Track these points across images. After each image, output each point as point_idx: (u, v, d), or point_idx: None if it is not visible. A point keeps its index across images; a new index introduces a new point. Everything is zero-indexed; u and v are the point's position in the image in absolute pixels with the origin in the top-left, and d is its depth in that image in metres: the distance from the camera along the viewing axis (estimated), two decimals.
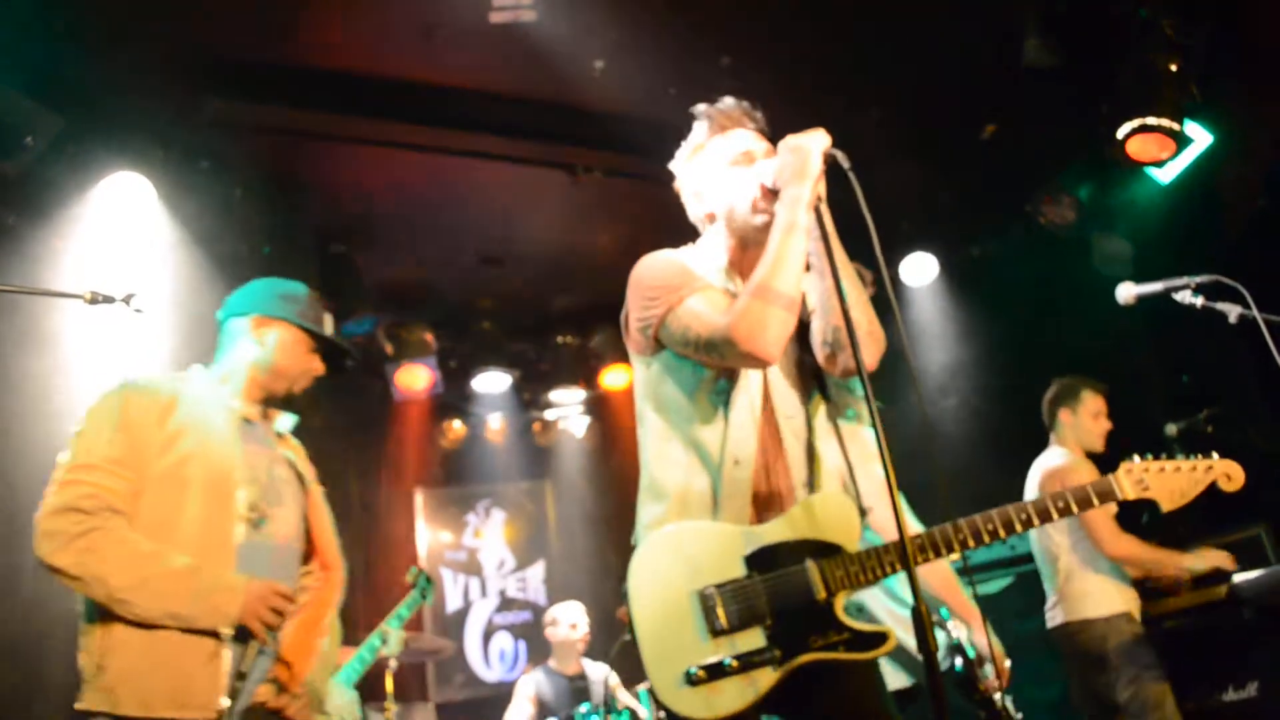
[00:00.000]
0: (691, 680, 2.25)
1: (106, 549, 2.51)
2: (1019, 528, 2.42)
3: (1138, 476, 2.58)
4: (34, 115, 4.54)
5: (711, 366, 2.44)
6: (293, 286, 3.08)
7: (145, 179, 5.08)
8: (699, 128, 2.69)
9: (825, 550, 2.34)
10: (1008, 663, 3.29)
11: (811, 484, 2.48)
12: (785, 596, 2.31)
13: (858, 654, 2.28)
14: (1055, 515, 2.45)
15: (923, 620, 1.91)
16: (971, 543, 2.37)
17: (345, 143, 5.70)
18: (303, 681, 2.82)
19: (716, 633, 2.29)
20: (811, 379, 2.56)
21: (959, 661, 3.25)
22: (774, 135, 2.51)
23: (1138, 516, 4.61)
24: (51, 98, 4.60)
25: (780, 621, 2.30)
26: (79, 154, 4.94)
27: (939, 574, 3.31)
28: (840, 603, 2.31)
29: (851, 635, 2.29)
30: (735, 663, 2.26)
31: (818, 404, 2.56)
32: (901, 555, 1.98)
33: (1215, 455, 2.64)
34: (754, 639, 2.29)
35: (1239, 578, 4.45)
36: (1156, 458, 2.60)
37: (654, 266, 2.56)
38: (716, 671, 2.26)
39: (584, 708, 5.91)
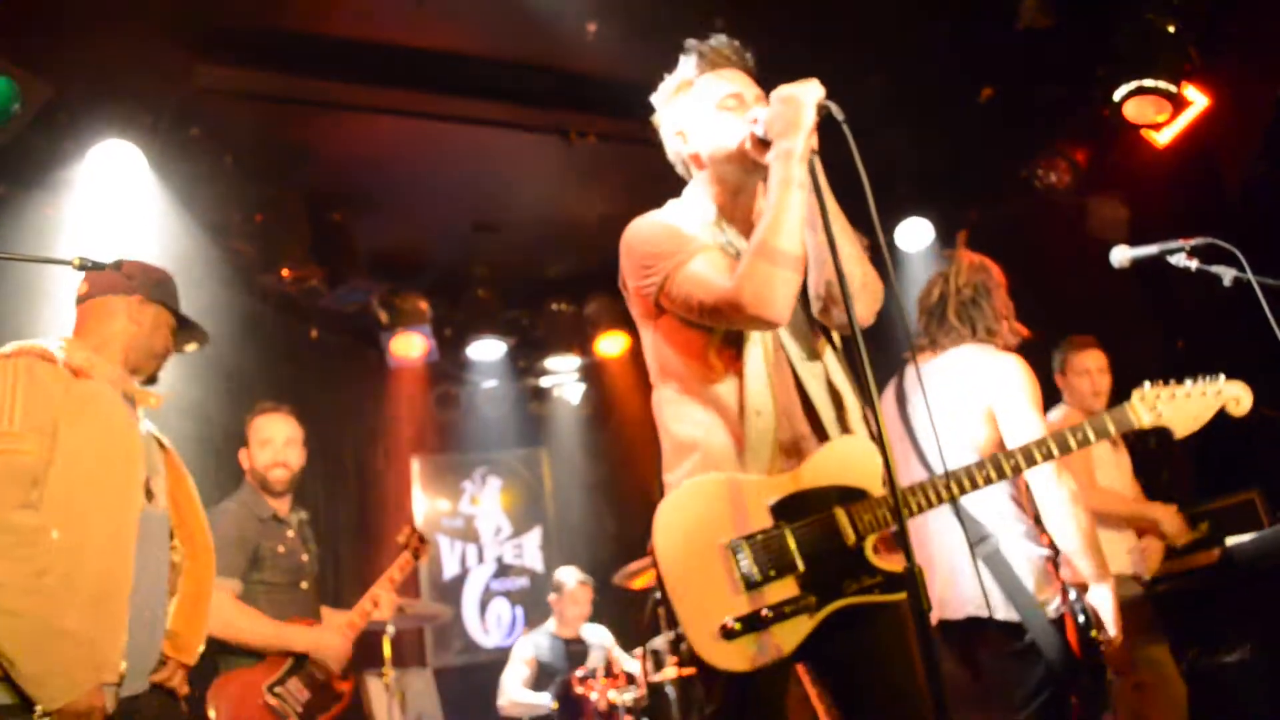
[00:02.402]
0: (728, 634, 2.24)
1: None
2: (1040, 459, 2.51)
3: (1150, 404, 2.64)
4: (22, 83, 4.49)
5: (719, 328, 2.42)
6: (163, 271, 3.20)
7: (135, 147, 5.04)
8: (686, 63, 2.61)
9: (851, 495, 2.33)
10: (1114, 631, 3.29)
11: (842, 423, 2.45)
12: (815, 544, 2.30)
13: (892, 595, 2.27)
14: (1075, 446, 2.54)
15: (916, 580, 1.92)
16: (994, 475, 2.43)
17: (337, 109, 5.65)
18: (192, 653, 2.94)
19: (749, 585, 2.27)
20: (818, 322, 2.53)
21: (1081, 617, 3.27)
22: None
23: (1157, 475, 4.62)
24: (40, 66, 4.55)
25: (812, 569, 2.29)
26: (69, 122, 4.90)
27: (1083, 530, 3.28)
28: (870, 546, 2.31)
29: (885, 577, 2.28)
30: (770, 613, 2.25)
31: (825, 345, 2.53)
32: (895, 512, 1.98)
33: (1223, 378, 2.68)
34: (787, 588, 2.28)
35: (1233, 541, 4.47)
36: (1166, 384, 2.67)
37: (644, 233, 2.51)
38: (752, 623, 2.25)
39: (580, 670, 5.96)
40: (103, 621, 2.63)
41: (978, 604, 3.26)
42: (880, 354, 2.28)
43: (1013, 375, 3.37)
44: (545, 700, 6.12)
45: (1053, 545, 3.39)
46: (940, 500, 2.40)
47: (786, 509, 2.33)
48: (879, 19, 5.29)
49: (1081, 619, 3.28)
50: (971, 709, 3.37)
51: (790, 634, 2.25)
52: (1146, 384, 2.66)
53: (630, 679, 5.87)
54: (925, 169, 6.58)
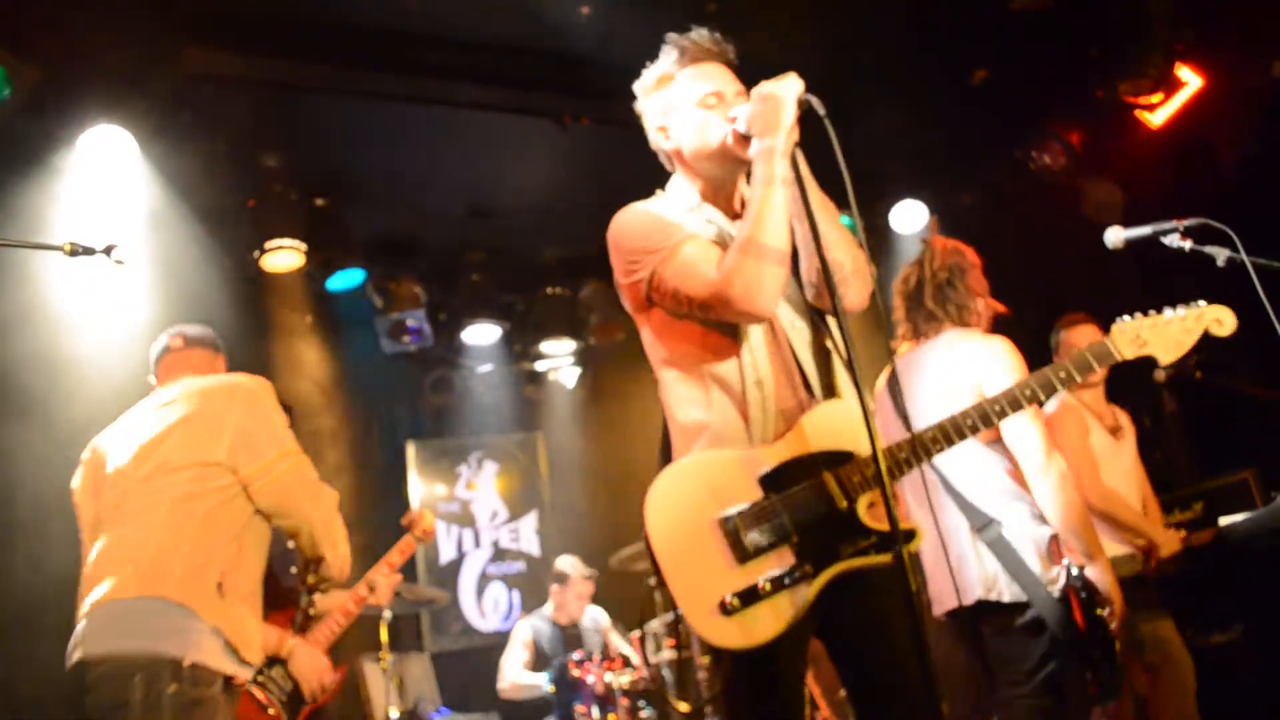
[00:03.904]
0: (726, 609, 2.24)
1: None
2: (1025, 404, 2.52)
3: (1132, 334, 2.63)
4: (11, 68, 4.46)
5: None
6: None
7: (126, 132, 5.01)
8: (667, 56, 2.60)
9: (838, 459, 2.33)
10: (1119, 605, 3.31)
11: (831, 390, 2.45)
12: (807, 510, 2.30)
13: (887, 553, 2.25)
14: (1059, 385, 2.56)
15: (903, 560, 1.93)
16: (980, 424, 2.45)
17: (330, 94, 5.63)
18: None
19: (744, 558, 2.27)
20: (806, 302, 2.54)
21: (1085, 594, 3.28)
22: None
23: (1151, 455, 4.62)
24: (29, 50, 4.53)
25: (806, 536, 2.29)
26: (59, 107, 4.87)
27: (1074, 510, 3.31)
28: (863, 506, 2.30)
29: (879, 537, 2.28)
30: (768, 585, 2.25)
31: (819, 317, 2.53)
32: (876, 475, 1.99)
33: (1203, 303, 2.66)
34: (783, 558, 2.28)
35: (1225, 521, 4.48)
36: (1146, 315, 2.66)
37: (629, 226, 2.52)
38: (751, 597, 2.25)
39: (576, 654, 5.98)
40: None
41: (985, 588, 3.29)
42: (876, 335, 2.29)
43: (1000, 354, 3.38)
44: (543, 681, 6.14)
45: None
46: (929, 455, 2.42)
47: (776, 479, 2.33)
48: (869, 1, 5.27)
49: (1084, 595, 3.30)
50: (978, 688, 3.40)
51: (791, 605, 2.25)
52: (1126, 316, 2.66)
53: (627, 662, 5.90)
54: (919, 152, 6.57)
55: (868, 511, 2.31)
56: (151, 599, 2.77)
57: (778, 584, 2.25)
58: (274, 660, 4.03)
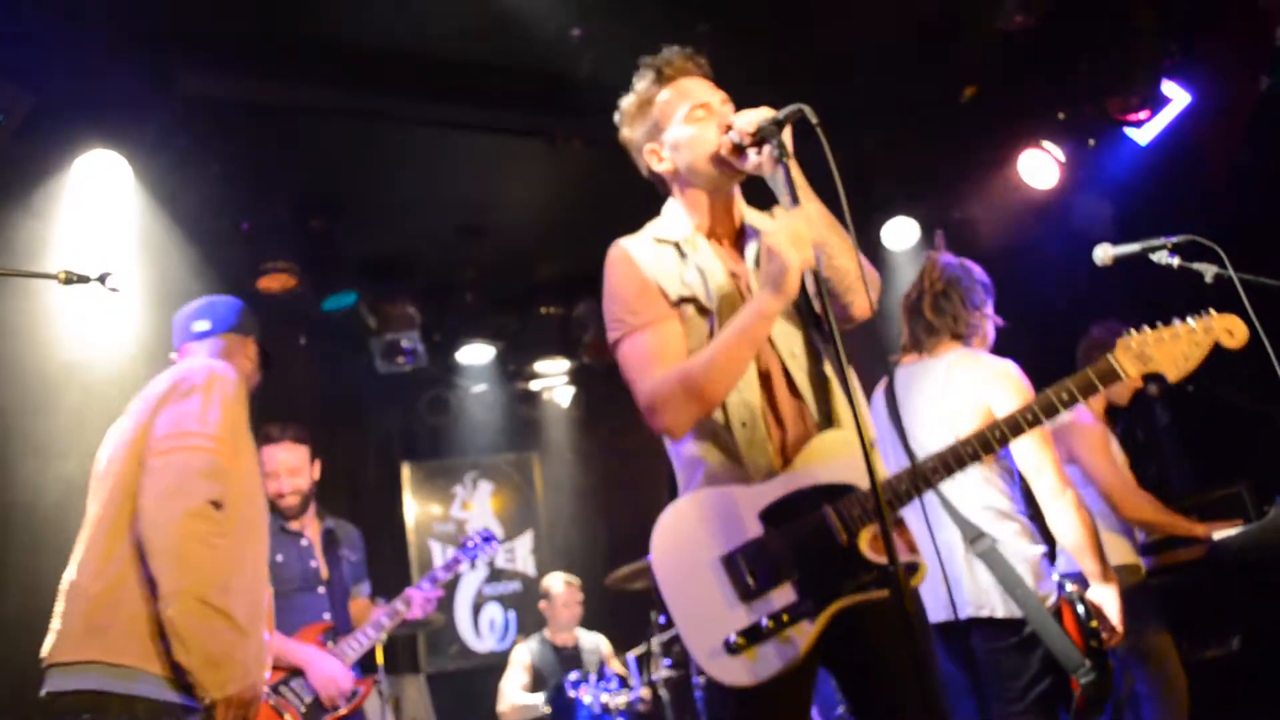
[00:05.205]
0: (731, 648, 2.23)
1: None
2: (1027, 427, 2.44)
3: (1137, 351, 2.51)
4: (5, 93, 4.48)
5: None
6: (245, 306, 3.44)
7: (121, 157, 5.02)
8: (643, 80, 2.60)
9: (837, 492, 2.31)
10: (1118, 628, 3.32)
11: (830, 420, 2.41)
12: (808, 546, 2.28)
13: (889, 589, 2.21)
14: (1061, 406, 2.46)
15: (899, 579, 1.93)
16: (981, 451, 2.40)
17: (322, 116, 5.64)
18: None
19: (747, 595, 2.26)
20: (810, 316, 2.52)
21: (1081, 608, 3.30)
22: (754, 100, 2.44)
23: (1146, 469, 4.63)
24: (22, 75, 4.54)
25: (808, 572, 2.27)
26: (53, 132, 4.88)
27: (1086, 530, 3.35)
28: (864, 541, 2.27)
29: (881, 572, 2.24)
30: (771, 623, 2.23)
31: (819, 340, 2.52)
32: (876, 508, 1.97)
33: (1212, 311, 2.52)
34: (785, 595, 2.26)
35: (1220, 535, 4.49)
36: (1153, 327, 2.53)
37: (613, 283, 2.52)
38: (754, 635, 2.23)
39: (574, 675, 5.97)
40: (256, 624, 2.76)
41: (978, 603, 3.29)
42: (875, 344, 2.30)
43: (1009, 375, 3.42)
44: (539, 701, 6.12)
45: (1047, 542, 3.43)
46: (930, 484, 2.37)
47: (777, 514, 2.31)
48: (861, 19, 5.30)
49: (1081, 609, 3.31)
50: (973, 705, 3.40)
51: (793, 643, 2.23)
52: (1132, 330, 2.54)
53: (624, 682, 5.88)
54: (910, 168, 6.60)
55: (870, 545, 2.27)
56: (90, 665, 2.60)
57: (780, 621, 2.24)
58: (294, 672, 4.12)
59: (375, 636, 4.44)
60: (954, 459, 2.40)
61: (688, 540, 2.34)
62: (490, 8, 4.78)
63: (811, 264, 2.24)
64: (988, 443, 2.42)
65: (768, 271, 2.27)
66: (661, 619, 5.58)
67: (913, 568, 2.27)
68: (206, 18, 4.80)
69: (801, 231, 2.25)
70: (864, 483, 2.29)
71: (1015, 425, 2.45)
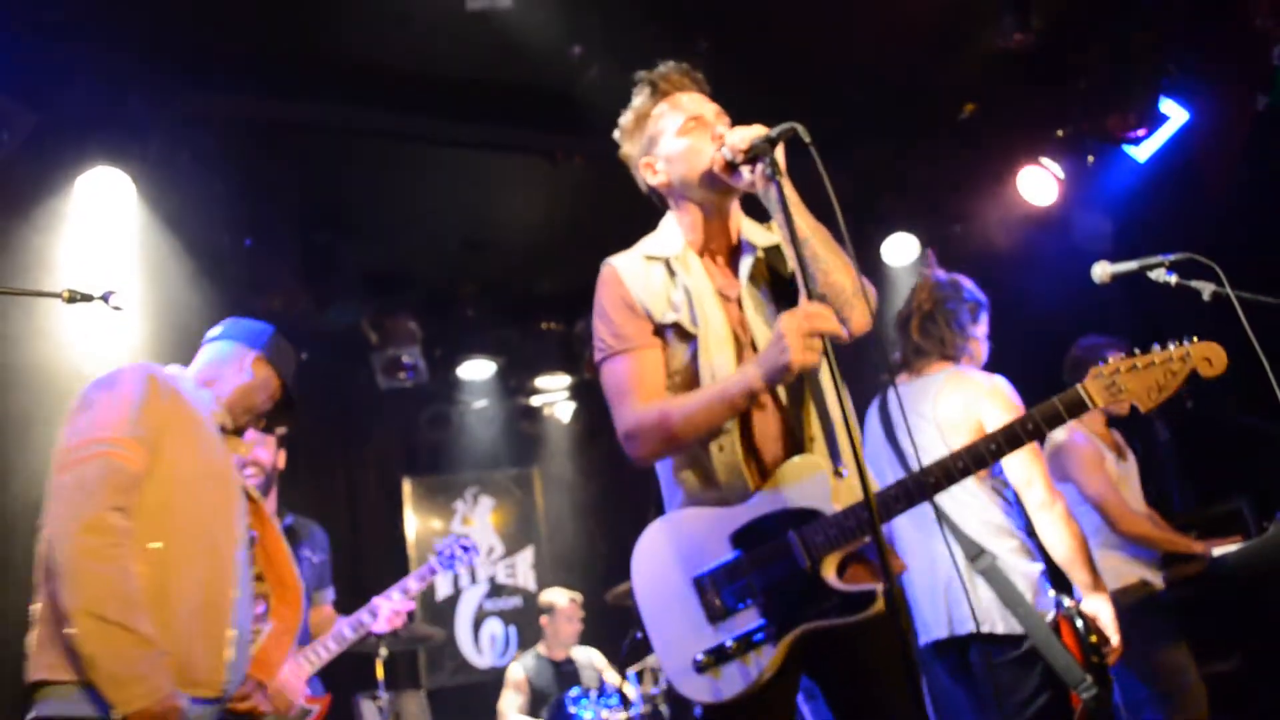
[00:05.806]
0: (699, 667, 2.30)
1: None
2: (990, 460, 2.41)
3: (1106, 381, 2.42)
4: (7, 111, 4.50)
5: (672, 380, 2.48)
6: (283, 339, 3.26)
7: (124, 174, 5.04)
8: (640, 95, 2.63)
9: (804, 518, 2.33)
10: (1116, 638, 3.33)
11: (804, 445, 2.41)
12: (772, 571, 2.32)
13: (850, 617, 2.26)
14: (1025, 438, 2.41)
15: (894, 599, 1.94)
16: (944, 482, 2.38)
17: (325, 133, 5.68)
18: (275, 677, 3.04)
19: (714, 617, 2.33)
20: None
21: (1080, 623, 3.31)
22: (754, 118, 2.44)
23: (1145, 485, 4.62)
24: (25, 93, 4.56)
25: (771, 597, 2.31)
26: (56, 150, 4.90)
27: (1076, 543, 3.36)
28: (828, 568, 2.30)
29: (841, 599, 2.28)
30: (735, 645, 2.30)
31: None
32: (870, 522, 1.97)
33: (1195, 339, 2.44)
34: (750, 618, 2.31)
35: (1220, 550, 4.49)
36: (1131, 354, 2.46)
37: (604, 302, 2.56)
38: (719, 655, 2.30)
39: (574, 691, 5.95)
40: (199, 636, 2.64)
41: (979, 619, 3.30)
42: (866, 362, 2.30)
43: (998, 392, 3.44)
44: None
45: (1044, 559, 3.44)
46: (923, 496, 2.36)
47: (746, 537, 2.35)
48: (860, 37, 5.34)
49: (1080, 624, 3.32)
50: None
51: (755, 664, 2.28)
52: (1109, 355, 2.49)
53: (623, 697, 5.87)
54: (910, 184, 6.63)
55: (831, 572, 2.30)
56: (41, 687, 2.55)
57: (744, 643, 2.30)
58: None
59: (335, 650, 4.12)
60: (944, 474, 2.40)
61: (664, 561, 2.40)
62: (491, 26, 4.82)
63: (815, 364, 2.24)
64: (981, 458, 2.40)
65: (769, 356, 2.26)
66: (637, 635, 5.58)
67: (870, 596, 2.27)
68: (209, 36, 4.84)
69: (818, 327, 2.21)
70: (829, 509, 2.31)
71: (979, 457, 2.40)
